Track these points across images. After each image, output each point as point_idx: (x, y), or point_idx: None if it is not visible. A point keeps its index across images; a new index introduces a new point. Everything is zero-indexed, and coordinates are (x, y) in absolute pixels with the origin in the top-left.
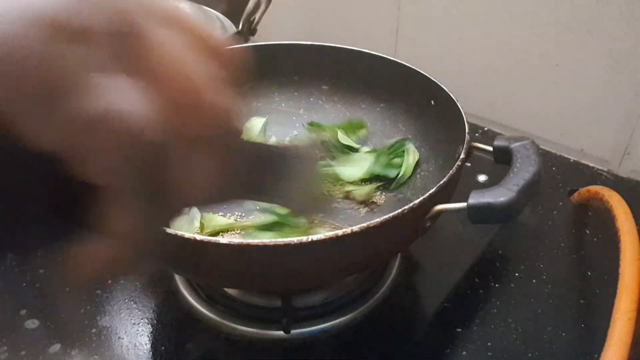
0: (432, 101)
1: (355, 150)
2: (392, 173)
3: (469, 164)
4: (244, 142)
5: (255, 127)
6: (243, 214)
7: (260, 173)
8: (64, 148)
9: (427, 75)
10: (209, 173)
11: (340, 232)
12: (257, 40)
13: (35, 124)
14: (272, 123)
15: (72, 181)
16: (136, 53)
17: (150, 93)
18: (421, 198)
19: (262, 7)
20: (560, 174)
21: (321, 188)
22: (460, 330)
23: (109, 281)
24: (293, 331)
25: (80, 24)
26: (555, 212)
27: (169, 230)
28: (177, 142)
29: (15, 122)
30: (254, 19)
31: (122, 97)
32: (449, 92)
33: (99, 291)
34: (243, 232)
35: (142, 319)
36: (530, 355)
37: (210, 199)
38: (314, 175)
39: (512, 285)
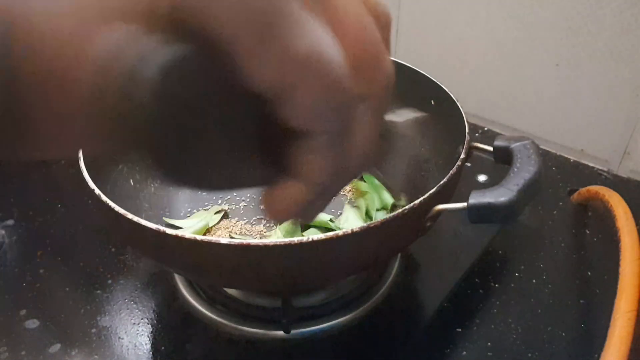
0: (432, 101)
1: None
2: None
3: (469, 164)
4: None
5: None
6: None
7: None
8: (275, 85)
9: (427, 75)
10: (376, 133)
11: (340, 232)
12: None
13: (252, 57)
14: None
15: (274, 123)
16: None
17: (340, 42)
18: (421, 198)
19: None
20: (560, 174)
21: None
22: (460, 330)
23: (109, 281)
24: (293, 331)
25: None
26: (555, 212)
27: (169, 231)
28: (357, 96)
29: (237, 56)
30: None
31: (323, 40)
32: (449, 92)
33: (99, 291)
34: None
35: (142, 319)
36: (530, 355)
37: (369, 163)
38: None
39: (512, 285)
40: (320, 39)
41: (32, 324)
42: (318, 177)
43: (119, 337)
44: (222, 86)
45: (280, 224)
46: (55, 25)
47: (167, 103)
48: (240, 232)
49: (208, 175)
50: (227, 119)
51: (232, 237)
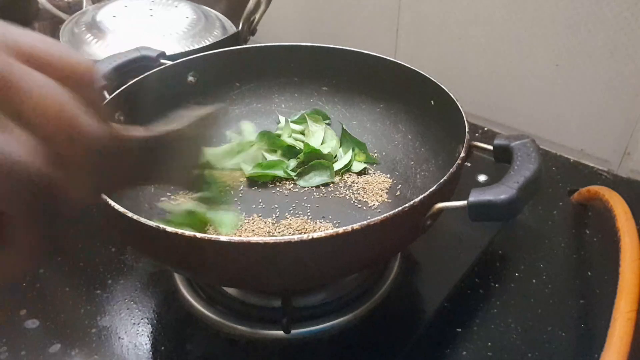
0: (432, 101)
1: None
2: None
3: (469, 164)
4: (127, 139)
5: (247, 131)
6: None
7: (149, 161)
8: None
9: (427, 75)
10: (98, 180)
11: (340, 230)
12: (257, 41)
13: None
14: (272, 124)
15: None
16: (9, 101)
17: (26, 131)
18: (422, 196)
19: (262, 7)
20: (560, 174)
21: (202, 164)
22: (460, 330)
23: (109, 281)
24: (293, 331)
25: None
26: (555, 212)
27: (169, 229)
28: (60, 164)
29: None
30: (254, 19)
31: (5, 143)
32: (449, 92)
33: (99, 291)
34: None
35: (142, 319)
36: (530, 355)
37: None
38: (195, 153)
39: (512, 285)
40: None
41: (32, 324)
42: (24, 243)
43: (119, 337)
44: None
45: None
46: None
47: None
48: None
49: None
50: None
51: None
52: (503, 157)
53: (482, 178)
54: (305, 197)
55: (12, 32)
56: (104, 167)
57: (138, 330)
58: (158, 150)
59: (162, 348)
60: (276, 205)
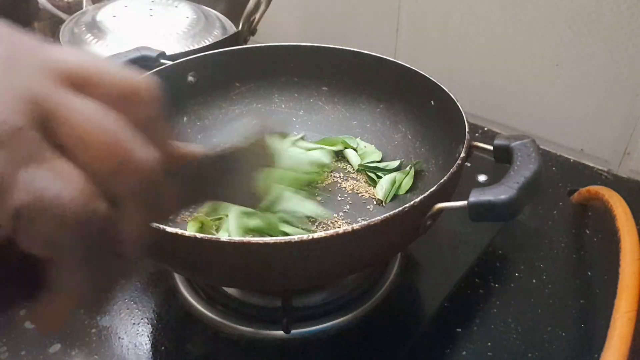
0: (432, 101)
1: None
2: None
3: (469, 164)
4: (187, 158)
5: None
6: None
7: (208, 180)
8: (11, 234)
9: (427, 75)
10: (155, 211)
11: (340, 230)
12: (257, 41)
13: None
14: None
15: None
16: (53, 133)
17: (77, 167)
18: (422, 196)
19: (262, 7)
20: (560, 174)
21: (263, 182)
22: (460, 330)
23: None
24: (293, 331)
25: None
26: (555, 212)
27: (169, 229)
28: (111, 200)
29: None
30: (254, 19)
31: (50, 181)
32: (449, 92)
33: None
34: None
35: (142, 319)
36: (530, 355)
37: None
38: (254, 171)
39: (512, 285)
40: (40, 186)
41: (32, 324)
42: (76, 289)
43: (119, 337)
44: None
45: None
46: None
47: None
48: None
49: None
50: None
51: None
52: (503, 158)
53: (482, 178)
54: None
55: (56, 53)
56: (161, 196)
57: (138, 330)
58: (218, 168)
59: (162, 348)
60: None
